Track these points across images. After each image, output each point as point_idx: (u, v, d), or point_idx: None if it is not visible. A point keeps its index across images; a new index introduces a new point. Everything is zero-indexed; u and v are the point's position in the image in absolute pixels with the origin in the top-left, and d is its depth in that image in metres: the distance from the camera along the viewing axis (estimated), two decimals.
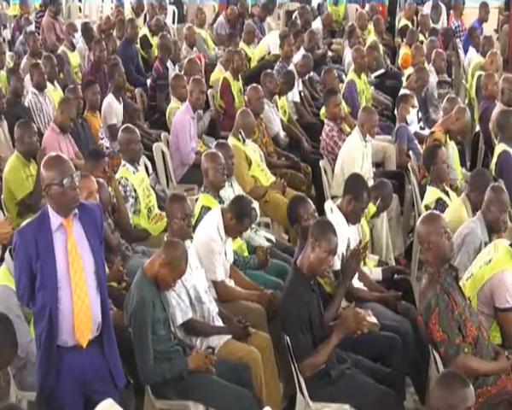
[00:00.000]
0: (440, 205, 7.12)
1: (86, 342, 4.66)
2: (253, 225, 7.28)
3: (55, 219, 4.58)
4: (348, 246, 6.18)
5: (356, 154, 8.18)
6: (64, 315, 4.59)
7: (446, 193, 7.30)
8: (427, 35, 14.02)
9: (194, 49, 13.21)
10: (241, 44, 13.12)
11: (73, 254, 4.57)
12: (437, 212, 5.72)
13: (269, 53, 13.43)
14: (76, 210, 4.61)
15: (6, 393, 5.37)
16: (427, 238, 5.16)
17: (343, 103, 9.83)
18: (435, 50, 11.88)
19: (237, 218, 6.27)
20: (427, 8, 16.64)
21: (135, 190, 7.29)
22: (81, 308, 4.59)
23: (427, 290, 5.09)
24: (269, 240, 7.23)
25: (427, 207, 7.18)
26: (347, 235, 6.29)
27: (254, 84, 9.37)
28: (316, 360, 5.23)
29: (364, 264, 6.68)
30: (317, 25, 15.32)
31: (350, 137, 8.45)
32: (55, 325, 4.59)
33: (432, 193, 7.27)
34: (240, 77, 10.99)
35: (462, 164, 9.07)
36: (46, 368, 4.68)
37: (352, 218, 6.39)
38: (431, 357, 5.25)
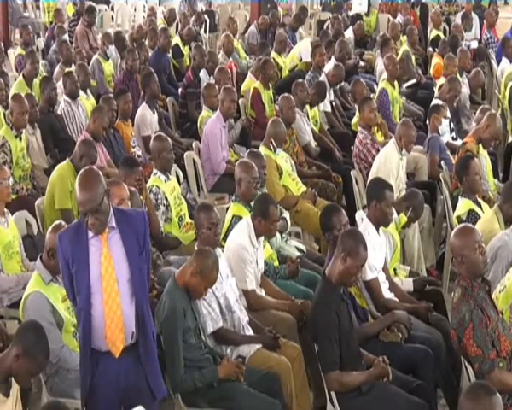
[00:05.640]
0: (472, 216, 7.06)
1: (119, 353, 4.69)
2: (284, 235, 7.29)
3: None
4: None
5: (392, 165, 8.11)
6: (96, 322, 4.64)
7: (479, 204, 7.24)
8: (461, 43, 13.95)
9: (230, 58, 13.27)
10: (273, 54, 13.12)
11: (105, 266, 4.60)
12: (471, 225, 5.66)
13: (300, 60, 13.41)
14: (113, 222, 4.62)
15: (38, 399, 5.40)
16: (461, 252, 5.12)
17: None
18: (474, 70, 11.88)
19: (262, 214, 6.25)
20: (459, 19, 16.58)
21: (166, 199, 7.31)
22: (113, 320, 4.62)
23: (460, 304, 5.05)
24: (299, 250, 7.22)
25: (459, 219, 7.13)
26: (378, 244, 6.27)
27: (286, 94, 9.36)
28: (345, 380, 5.19)
29: (396, 274, 6.66)
30: (348, 35, 15.32)
31: (386, 148, 8.36)
32: (88, 329, 4.64)
33: (464, 204, 7.22)
34: (270, 86, 11.00)
35: (495, 175, 9.01)
36: (83, 370, 4.77)
37: (382, 220, 6.36)
38: (463, 369, 5.21)
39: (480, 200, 7.37)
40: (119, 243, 4.64)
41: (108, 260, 4.60)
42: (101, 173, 4.67)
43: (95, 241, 4.61)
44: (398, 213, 6.96)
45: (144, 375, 4.76)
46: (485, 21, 16.34)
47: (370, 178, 8.17)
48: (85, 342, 4.69)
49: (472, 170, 7.25)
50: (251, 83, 11.38)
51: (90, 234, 4.60)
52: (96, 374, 4.71)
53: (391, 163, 8.12)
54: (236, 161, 7.70)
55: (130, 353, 4.72)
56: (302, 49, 13.59)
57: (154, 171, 7.47)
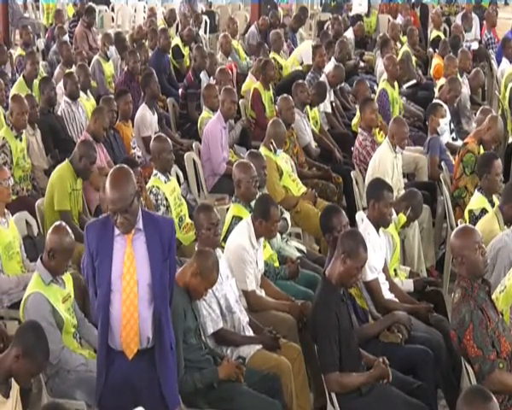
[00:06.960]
0: (483, 215, 7.00)
1: (132, 355, 4.68)
2: (284, 235, 7.29)
3: None
4: None
5: (386, 164, 8.13)
6: (114, 320, 4.64)
7: (493, 205, 7.12)
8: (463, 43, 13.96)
9: (229, 58, 13.27)
10: (272, 54, 13.13)
11: (127, 266, 4.59)
12: (471, 226, 5.65)
13: (301, 63, 13.41)
14: (140, 225, 4.61)
15: (38, 399, 5.40)
16: (461, 253, 5.11)
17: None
18: (474, 70, 11.87)
19: (262, 215, 6.25)
20: (459, 20, 16.59)
21: (166, 199, 7.31)
22: (129, 321, 4.61)
23: (460, 305, 5.04)
24: (300, 250, 7.22)
25: (471, 213, 7.07)
26: (378, 245, 6.27)
27: (285, 95, 9.37)
28: (345, 381, 5.18)
29: (396, 275, 6.66)
30: (348, 35, 15.32)
31: (380, 148, 8.40)
32: (106, 326, 4.64)
33: (479, 200, 7.14)
34: (270, 86, 11.01)
35: None
36: (99, 366, 4.78)
37: (381, 221, 6.35)
38: (463, 369, 5.20)
39: (495, 200, 7.26)
40: (144, 245, 4.62)
41: (131, 261, 4.59)
42: (132, 173, 4.69)
43: (120, 239, 4.61)
44: (398, 213, 6.96)
45: (158, 382, 4.73)
46: (485, 22, 16.35)
47: (367, 180, 8.18)
48: (103, 339, 4.69)
49: (494, 170, 7.15)
50: (251, 83, 11.39)
51: (117, 231, 4.59)
52: (111, 371, 4.71)
53: (385, 163, 8.11)
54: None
55: (145, 357, 4.70)
56: (303, 51, 13.59)
57: (154, 172, 7.48)
